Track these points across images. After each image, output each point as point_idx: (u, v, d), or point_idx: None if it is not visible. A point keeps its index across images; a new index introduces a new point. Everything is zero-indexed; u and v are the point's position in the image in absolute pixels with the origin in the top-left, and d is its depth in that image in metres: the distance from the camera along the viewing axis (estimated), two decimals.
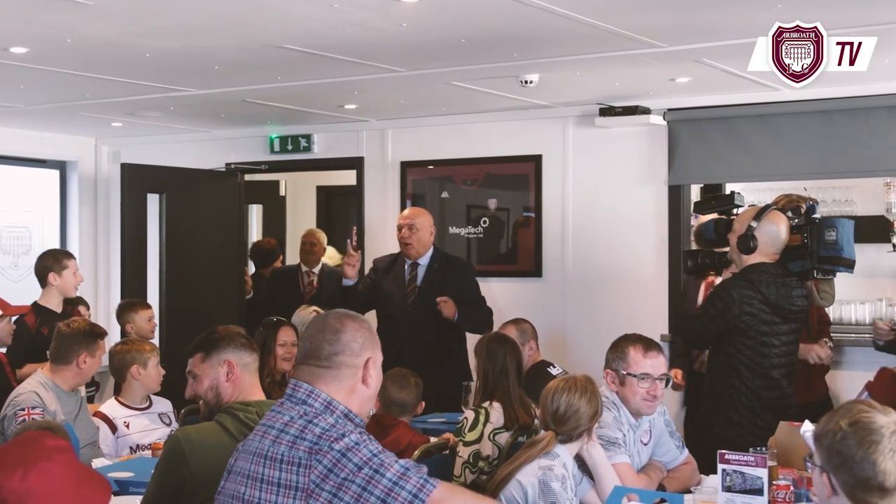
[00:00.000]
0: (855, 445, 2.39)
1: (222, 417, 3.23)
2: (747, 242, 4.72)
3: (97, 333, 4.81)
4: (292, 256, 9.39)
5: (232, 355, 3.38)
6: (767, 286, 4.69)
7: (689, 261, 5.19)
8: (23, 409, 4.50)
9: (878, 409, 2.45)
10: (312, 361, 2.71)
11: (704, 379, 4.98)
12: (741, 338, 4.71)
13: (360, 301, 6.27)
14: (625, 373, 3.94)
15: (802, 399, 5.03)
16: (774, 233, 4.75)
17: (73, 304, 6.25)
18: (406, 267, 6.33)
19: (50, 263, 5.99)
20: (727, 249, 4.96)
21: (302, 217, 10.12)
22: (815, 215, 4.82)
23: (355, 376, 2.70)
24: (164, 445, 3.28)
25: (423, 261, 6.33)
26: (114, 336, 6.40)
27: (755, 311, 4.69)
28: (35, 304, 5.87)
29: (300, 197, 10.28)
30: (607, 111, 6.86)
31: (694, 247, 5.35)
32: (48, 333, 5.73)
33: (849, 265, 4.80)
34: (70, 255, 6.14)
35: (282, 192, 10.11)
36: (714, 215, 5.14)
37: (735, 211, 4.98)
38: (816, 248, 4.74)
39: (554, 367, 5.54)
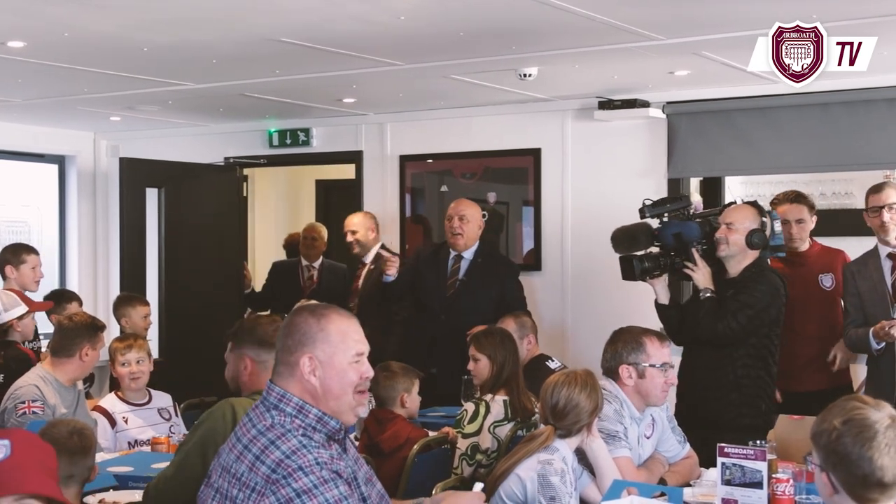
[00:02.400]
0: (850, 443, 2.38)
1: (255, 396, 3.29)
2: (764, 238, 4.81)
3: (98, 326, 4.82)
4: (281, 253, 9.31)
5: (251, 352, 3.49)
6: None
7: (647, 263, 5.05)
8: (23, 402, 4.49)
9: (871, 405, 2.44)
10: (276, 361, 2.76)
11: (704, 376, 4.83)
12: (775, 328, 4.83)
13: (400, 289, 6.34)
14: (646, 364, 3.95)
15: (831, 385, 5.25)
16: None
17: (68, 300, 6.22)
18: (450, 258, 6.33)
19: (8, 257, 5.95)
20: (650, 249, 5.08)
21: (300, 211, 10.10)
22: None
23: (294, 374, 2.68)
24: (215, 407, 3.36)
25: (468, 254, 6.32)
26: (113, 330, 6.39)
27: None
28: None
29: (298, 190, 10.25)
30: (606, 104, 6.84)
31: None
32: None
33: (784, 251, 5.13)
34: (31, 251, 6.06)
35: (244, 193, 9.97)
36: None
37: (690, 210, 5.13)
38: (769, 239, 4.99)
39: (553, 360, 5.56)
